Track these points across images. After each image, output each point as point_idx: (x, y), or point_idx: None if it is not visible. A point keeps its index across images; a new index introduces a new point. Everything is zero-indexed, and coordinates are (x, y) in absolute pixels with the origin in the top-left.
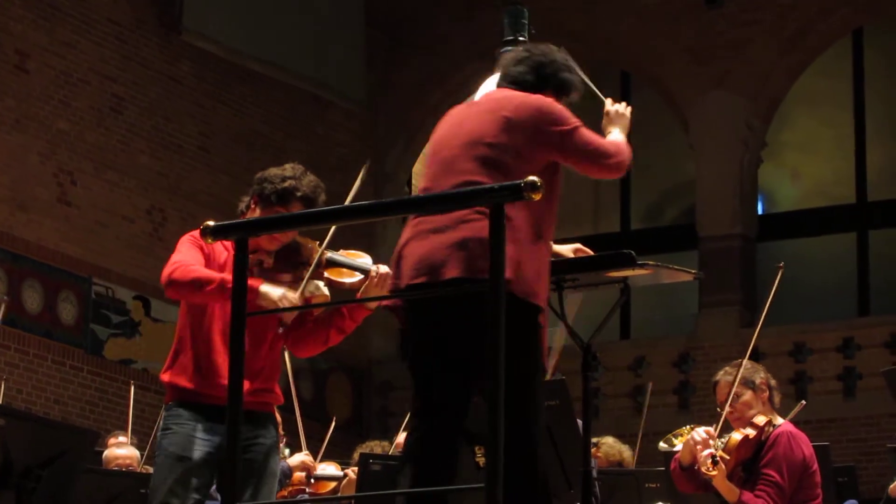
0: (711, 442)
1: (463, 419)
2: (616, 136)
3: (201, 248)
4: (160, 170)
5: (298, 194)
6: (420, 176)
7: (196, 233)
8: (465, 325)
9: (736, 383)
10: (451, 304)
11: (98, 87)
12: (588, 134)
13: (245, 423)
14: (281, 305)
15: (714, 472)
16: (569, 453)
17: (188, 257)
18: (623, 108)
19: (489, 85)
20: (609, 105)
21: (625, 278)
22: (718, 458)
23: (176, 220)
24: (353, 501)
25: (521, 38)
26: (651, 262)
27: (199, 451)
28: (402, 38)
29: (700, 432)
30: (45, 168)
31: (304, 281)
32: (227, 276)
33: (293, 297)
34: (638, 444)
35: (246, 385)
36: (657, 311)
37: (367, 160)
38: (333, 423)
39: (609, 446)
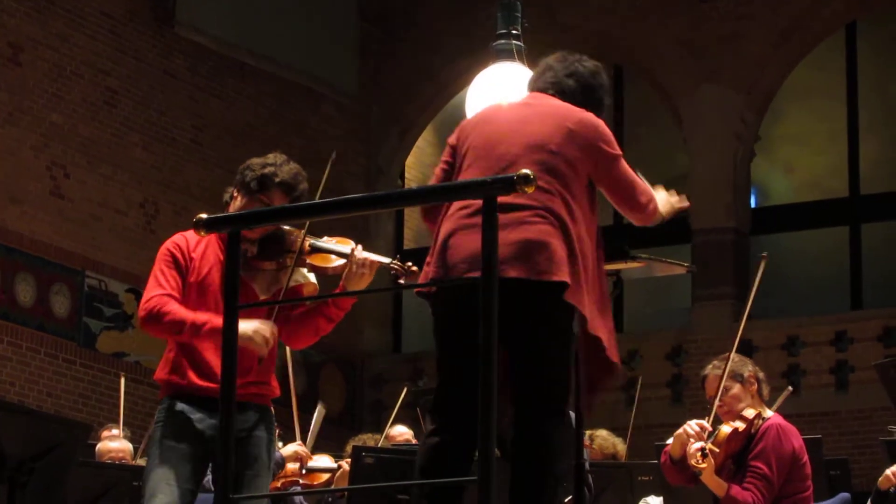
0: (699, 438)
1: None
2: (658, 192)
3: (178, 263)
4: (153, 163)
5: (277, 180)
6: (472, 165)
7: (172, 244)
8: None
9: (725, 377)
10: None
11: (91, 81)
12: (630, 168)
13: (240, 415)
14: (255, 339)
15: (703, 465)
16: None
17: (166, 287)
18: (676, 202)
19: (485, 77)
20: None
21: (618, 271)
22: (708, 451)
23: (169, 213)
24: (346, 493)
25: (514, 32)
26: (644, 255)
27: (191, 441)
28: (395, 32)
29: (693, 425)
30: (38, 161)
31: (290, 269)
32: (199, 316)
33: (265, 329)
34: (629, 437)
35: (240, 378)
36: (650, 305)
37: (333, 152)
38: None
39: (603, 439)
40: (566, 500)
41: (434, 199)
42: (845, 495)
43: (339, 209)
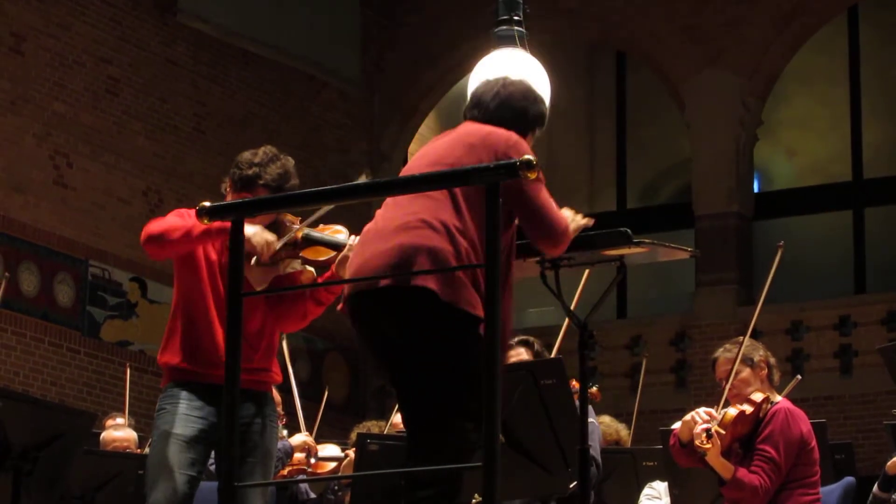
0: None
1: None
2: (570, 217)
3: (187, 217)
4: (156, 151)
5: (260, 182)
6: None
7: (185, 209)
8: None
9: (737, 360)
10: (390, 312)
11: (93, 69)
12: (545, 193)
13: (241, 402)
14: (254, 240)
15: (708, 446)
16: (566, 432)
17: (169, 217)
18: (581, 221)
19: (487, 63)
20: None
21: (621, 257)
22: (713, 432)
23: (172, 201)
24: (348, 481)
25: (515, 18)
26: (647, 241)
27: (192, 428)
28: (396, 18)
29: (701, 413)
30: (40, 150)
31: (282, 261)
32: (198, 223)
33: (270, 237)
34: (633, 423)
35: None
36: (654, 290)
37: (366, 170)
38: (325, 397)
39: (606, 425)
40: (571, 486)
41: (437, 185)
42: (850, 479)
43: (342, 196)
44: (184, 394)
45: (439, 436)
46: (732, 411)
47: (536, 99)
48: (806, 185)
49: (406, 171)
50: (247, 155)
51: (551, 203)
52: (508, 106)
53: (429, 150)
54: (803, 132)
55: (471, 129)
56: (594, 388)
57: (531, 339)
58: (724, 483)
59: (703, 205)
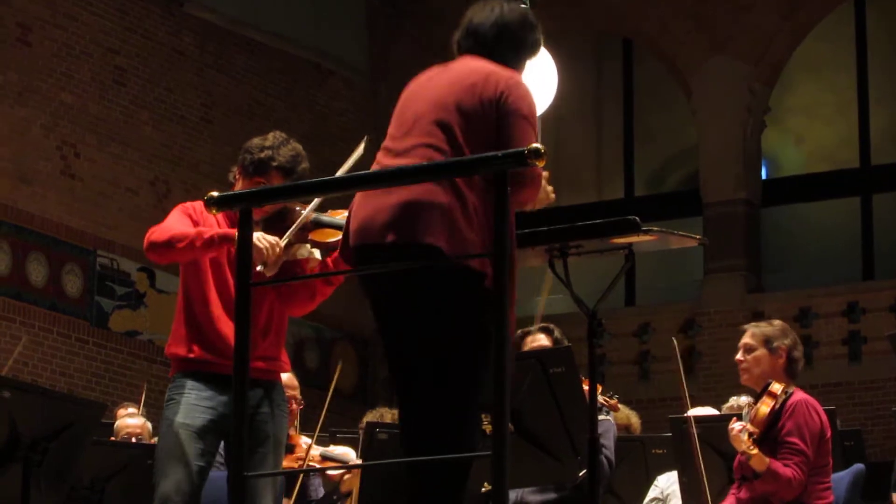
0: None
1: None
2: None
3: (190, 216)
4: (163, 141)
5: (274, 164)
6: (390, 130)
7: (189, 203)
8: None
9: (754, 337)
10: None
11: (100, 59)
12: (530, 137)
13: (249, 391)
14: (257, 245)
15: (754, 451)
16: (575, 420)
17: (170, 222)
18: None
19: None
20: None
21: (629, 245)
22: (751, 432)
23: (179, 191)
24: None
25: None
26: (656, 229)
27: (201, 417)
28: (402, 6)
29: (735, 426)
30: (48, 141)
31: (291, 245)
32: (203, 229)
33: (272, 238)
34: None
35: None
36: (662, 278)
37: (365, 136)
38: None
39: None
40: (581, 474)
41: (445, 174)
42: (859, 466)
43: (350, 185)
44: (191, 384)
45: (444, 410)
46: (764, 409)
47: (534, 27)
48: (814, 172)
49: (403, 110)
50: (256, 140)
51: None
52: (508, 36)
53: (427, 87)
54: (810, 119)
55: (473, 67)
56: (614, 400)
57: (551, 326)
58: (756, 476)
59: (710, 192)
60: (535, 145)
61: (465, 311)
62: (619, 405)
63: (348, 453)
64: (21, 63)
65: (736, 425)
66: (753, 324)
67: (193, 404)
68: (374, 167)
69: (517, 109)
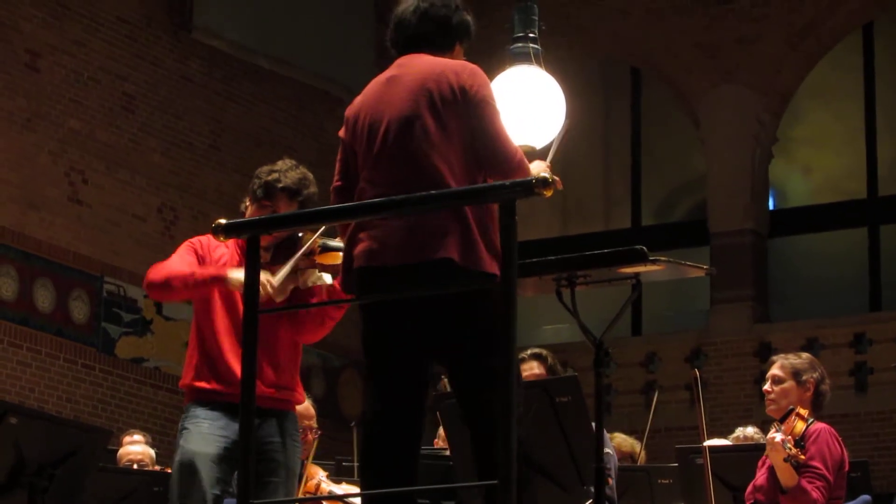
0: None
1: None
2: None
3: (196, 252)
4: (171, 168)
5: (280, 186)
6: (362, 158)
7: (194, 240)
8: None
9: (783, 369)
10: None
11: (109, 86)
12: (499, 117)
13: (262, 421)
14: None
15: (801, 455)
16: (581, 449)
17: (172, 261)
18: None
19: (502, 80)
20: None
21: (637, 274)
22: (794, 458)
23: (187, 218)
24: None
25: (531, 35)
26: (663, 258)
27: (214, 446)
28: None
29: (777, 436)
30: (56, 167)
31: (299, 272)
32: (197, 269)
33: (264, 276)
34: (644, 440)
35: (262, 383)
36: (669, 307)
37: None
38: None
39: (622, 439)
40: (587, 503)
41: (453, 202)
42: (866, 497)
43: (359, 213)
44: (205, 413)
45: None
46: (801, 424)
47: (458, 6)
48: (821, 203)
49: (367, 134)
50: (265, 167)
51: (502, 125)
52: (429, 18)
53: (380, 104)
54: (818, 149)
55: (424, 70)
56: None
57: (544, 352)
58: (783, 492)
59: (718, 222)
60: (543, 174)
61: (486, 311)
62: (621, 436)
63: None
64: (30, 89)
65: (777, 435)
66: (782, 355)
67: (207, 433)
68: (369, 189)
69: (482, 95)
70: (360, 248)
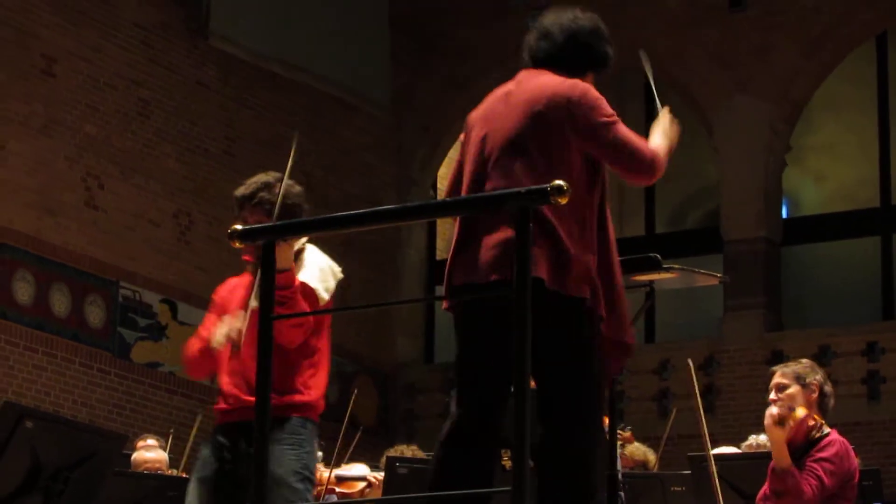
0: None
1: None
2: (658, 141)
3: (214, 302)
4: (186, 174)
5: (236, 194)
6: (467, 167)
7: (220, 285)
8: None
9: (786, 376)
10: (492, 307)
11: (125, 92)
12: (625, 129)
13: (240, 434)
14: (233, 337)
15: (797, 411)
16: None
17: (190, 341)
18: (674, 124)
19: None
20: (665, 113)
21: (651, 282)
22: (786, 419)
23: (202, 223)
24: None
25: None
26: (677, 266)
27: (206, 470)
28: (426, 43)
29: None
30: (72, 172)
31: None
32: (189, 350)
33: (233, 325)
34: (661, 448)
35: (243, 394)
36: (681, 315)
37: (296, 130)
38: (360, 433)
39: (635, 447)
40: None
41: (468, 209)
42: None
43: (374, 220)
44: (211, 436)
45: (577, 412)
46: (801, 412)
47: (604, 38)
48: (834, 211)
49: (476, 147)
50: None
51: (631, 137)
52: (575, 40)
53: (492, 120)
54: (831, 158)
55: (535, 91)
56: (627, 433)
57: None
58: (773, 471)
59: (731, 230)
60: (557, 182)
61: (571, 330)
62: (636, 441)
63: (363, 471)
64: (46, 95)
65: (773, 408)
66: (781, 365)
67: (203, 456)
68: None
69: (593, 121)
70: (457, 263)
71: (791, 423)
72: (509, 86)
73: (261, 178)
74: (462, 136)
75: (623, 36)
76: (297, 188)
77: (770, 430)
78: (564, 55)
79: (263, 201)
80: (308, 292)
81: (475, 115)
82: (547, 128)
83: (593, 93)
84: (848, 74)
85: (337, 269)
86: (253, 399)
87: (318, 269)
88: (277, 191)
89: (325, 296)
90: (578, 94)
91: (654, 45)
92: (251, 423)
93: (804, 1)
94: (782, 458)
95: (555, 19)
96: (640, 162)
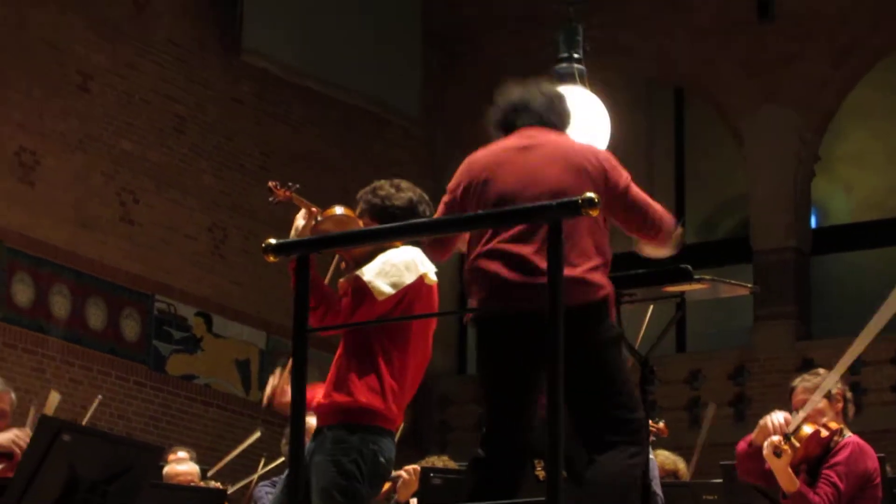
0: (782, 432)
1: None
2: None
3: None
4: (221, 188)
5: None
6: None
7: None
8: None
9: (818, 390)
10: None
11: (160, 108)
12: (639, 190)
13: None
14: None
15: (786, 447)
16: None
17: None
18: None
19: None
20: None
21: (682, 293)
22: (782, 451)
23: (237, 237)
24: None
25: (575, 56)
26: (708, 277)
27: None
28: (458, 55)
29: (778, 415)
30: (108, 187)
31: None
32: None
33: (273, 381)
34: (695, 458)
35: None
36: (712, 325)
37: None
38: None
39: (665, 456)
40: None
41: (502, 222)
42: None
43: (409, 232)
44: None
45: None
46: (808, 429)
47: (564, 100)
48: (863, 220)
49: (484, 192)
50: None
51: (646, 197)
52: (559, 113)
53: (522, 169)
54: (860, 167)
55: (564, 146)
56: (661, 424)
57: None
58: (785, 497)
59: (761, 240)
60: (588, 194)
61: (597, 336)
62: (664, 454)
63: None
64: (82, 111)
65: (775, 420)
66: (800, 378)
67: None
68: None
69: (621, 184)
70: (492, 270)
71: (789, 449)
72: (518, 141)
73: (383, 181)
74: (452, 185)
75: (652, 46)
76: (405, 193)
77: (769, 460)
78: (553, 121)
79: (367, 203)
80: (359, 287)
81: (475, 167)
82: (589, 181)
83: (611, 155)
84: (876, 83)
85: (419, 265)
86: (326, 402)
87: (380, 262)
88: (382, 193)
89: (385, 289)
90: (605, 154)
91: (682, 55)
92: (320, 428)
93: (832, 10)
94: (789, 484)
95: (521, 91)
96: (654, 218)
